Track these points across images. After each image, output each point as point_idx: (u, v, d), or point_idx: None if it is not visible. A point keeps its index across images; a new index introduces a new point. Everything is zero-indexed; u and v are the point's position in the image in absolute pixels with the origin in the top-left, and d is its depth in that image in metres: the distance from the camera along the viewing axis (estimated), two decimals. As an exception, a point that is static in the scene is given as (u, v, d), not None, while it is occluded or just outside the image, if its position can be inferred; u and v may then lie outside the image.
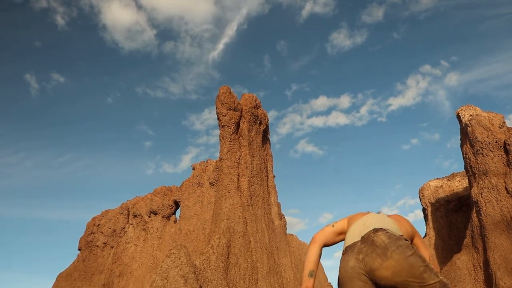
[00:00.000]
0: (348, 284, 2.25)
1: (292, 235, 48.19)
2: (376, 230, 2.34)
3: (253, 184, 22.17)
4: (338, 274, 2.38)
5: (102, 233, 41.41)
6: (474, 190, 22.38)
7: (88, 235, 42.37)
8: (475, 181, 22.63)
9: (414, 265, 2.11)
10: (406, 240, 2.28)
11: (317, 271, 2.63)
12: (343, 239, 2.61)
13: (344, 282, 2.27)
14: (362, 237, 2.34)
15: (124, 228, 41.26)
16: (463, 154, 26.15)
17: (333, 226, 2.59)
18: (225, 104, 22.53)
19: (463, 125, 27.54)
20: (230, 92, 24.07)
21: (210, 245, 18.22)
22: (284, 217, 31.43)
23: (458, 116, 29.60)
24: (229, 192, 20.80)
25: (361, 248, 2.28)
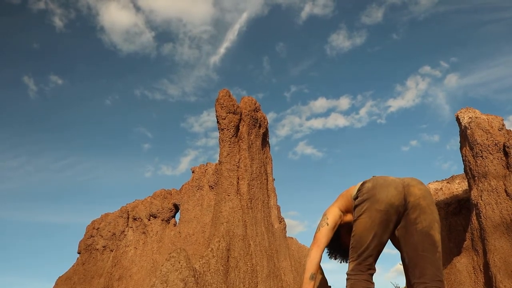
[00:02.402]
0: (381, 188, 2.34)
1: (292, 238, 48.26)
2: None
3: (252, 187, 22.18)
4: (367, 185, 2.42)
5: (102, 237, 41.38)
6: (474, 193, 22.46)
7: (88, 238, 42.35)
8: (475, 184, 22.69)
9: (435, 206, 2.39)
10: None
11: (317, 273, 2.59)
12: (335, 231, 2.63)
13: (376, 186, 2.35)
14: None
15: (123, 231, 41.23)
16: (462, 156, 26.22)
17: (327, 224, 2.60)
18: (224, 107, 22.57)
19: (463, 127, 27.66)
20: (229, 95, 24.13)
21: (209, 249, 18.22)
22: (283, 220, 31.48)
23: (458, 119, 29.72)
24: (228, 195, 20.81)
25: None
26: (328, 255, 2.88)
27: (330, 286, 2.92)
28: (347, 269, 2.40)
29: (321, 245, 2.56)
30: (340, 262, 2.84)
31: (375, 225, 2.29)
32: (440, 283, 2.22)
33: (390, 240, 2.52)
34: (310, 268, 2.52)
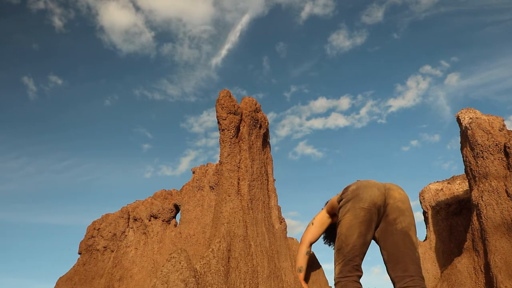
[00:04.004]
0: (364, 189, 2.47)
1: (292, 238, 48.14)
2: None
3: (253, 187, 22.16)
4: (351, 187, 2.56)
5: (102, 237, 41.33)
6: (475, 193, 22.37)
7: (88, 239, 42.30)
8: (476, 184, 22.61)
9: (412, 212, 2.48)
10: None
11: (306, 266, 2.98)
12: (325, 229, 2.86)
13: (360, 187, 2.49)
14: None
15: (124, 232, 41.18)
16: (463, 157, 26.16)
17: (313, 224, 2.92)
18: (225, 108, 22.56)
19: (463, 128, 27.58)
20: (230, 96, 24.13)
21: (210, 249, 18.18)
22: (284, 221, 31.44)
23: (458, 119, 29.63)
24: (229, 196, 20.77)
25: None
26: (323, 239, 3.17)
27: (330, 287, 2.97)
28: (334, 274, 2.44)
29: (305, 241, 2.93)
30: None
31: (360, 223, 2.39)
32: (422, 280, 2.30)
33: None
34: (297, 262, 3.01)
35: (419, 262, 2.34)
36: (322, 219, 2.91)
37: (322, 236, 3.01)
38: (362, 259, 2.42)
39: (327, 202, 2.92)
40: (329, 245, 3.04)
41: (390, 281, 2.35)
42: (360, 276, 2.38)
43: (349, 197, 2.51)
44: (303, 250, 2.90)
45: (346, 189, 2.62)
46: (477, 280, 19.26)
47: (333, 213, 2.88)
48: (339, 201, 2.63)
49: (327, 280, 3.15)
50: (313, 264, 3.13)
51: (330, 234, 3.04)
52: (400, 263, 2.34)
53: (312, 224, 2.87)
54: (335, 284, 2.40)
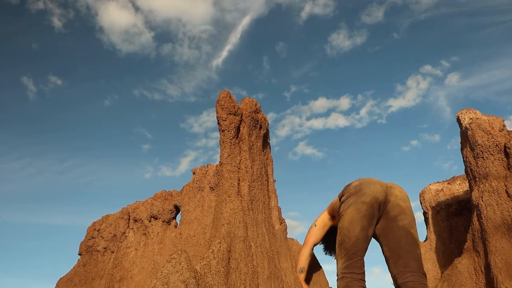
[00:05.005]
0: (367, 184, 2.48)
1: (292, 239, 48.16)
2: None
3: (253, 188, 22.18)
4: (354, 183, 2.57)
5: (103, 238, 41.37)
6: (475, 194, 22.41)
7: (89, 240, 42.33)
8: (476, 185, 22.65)
9: (412, 211, 2.46)
10: None
11: (307, 267, 2.92)
12: (327, 230, 2.86)
13: (363, 183, 2.50)
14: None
15: (124, 233, 41.21)
16: (463, 157, 26.17)
17: (315, 226, 2.87)
18: (225, 109, 22.59)
19: (463, 128, 27.63)
20: (230, 97, 24.16)
21: (210, 250, 18.20)
22: (284, 222, 31.45)
23: (458, 120, 29.69)
24: (229, 196, 20.80)
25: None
26: (324, 250, 3.08)
27: (331, 287, 2.97)
28: (337, 269, 2.38)
29: (309, 243, 2.86)
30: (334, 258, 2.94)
31: (362, 217, 2.37)
32: (424, 276, 2.28)
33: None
34: (299, 263, 2.86)
35: (421, 259, 2.30)
36: (324, 220, 2.93)
37: (322, 247, 3.01)
38: (364, 255, 2.38)
39: (329, 204, 2.98)
40: (330, 255, 3.01)
41: (392, 280, 2.33)
42: (364, 274, 2.34)
43: (352, 192, 2.49)
44: (306, 252, 2.86)
45: (348, 185, 2.60)
46: (478, 281, 19.18)
47: (334, 215, 2.87)
48: (340, 197, 2.61)
49: (327, 281, 3.15)
50: (313, 265, 3.12)
51: (329, 243, 3.01)
52: (402, 258, 2.31)
53: (315, 225, 2.88)
54: (338, 279, 2.33)
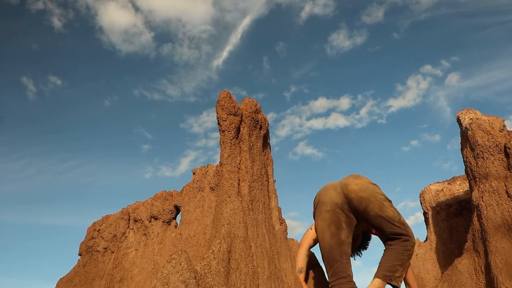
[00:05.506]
0: (323, 193, 2.65)
1: (292, 239, 48.22)
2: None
3: (253, 189, 22.16)
4: (316, 195, 2.73)
5: (103, 238, 41.35)
6: (475, 194, 22.36)
7: (89, 240, 42.31)
8: (476, 185, 22.62)
9: (377, 190, 2.54)
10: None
11: (306, 267, 3.06)
12: None
13: (320, 194, 2.67)
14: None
15: (124, 233, 41.20)
16: (463, 157, 26.13)
17: (311, 229, 2.95)
18: (225, 109, 22.58)
19: (463, 128, 27.58)
20: (230, 97, 24.12)
21: (210, 250, 18.19)
22: (284, 222, 31.47)
23: (458, 120, 29.65)
24: (229, 197, 20.79)
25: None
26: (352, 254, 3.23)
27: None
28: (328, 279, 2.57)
29: (304, 245, 2.95)
30: (354, 258, 3.11)
31: (328, 225, 2.54)
32: (404, 225, 2.48)
33: (364, 234, 2.87)
34: (297, 263, 2.93)
35: (402, 220, 2.49)
36: None
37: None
38: (346, 258, 2.51)
39: None
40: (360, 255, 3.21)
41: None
42: (350, 275, 2.48)
43: (315, 205, 2.71)
44: (303, 253, 2.99)
45: (314, 199, 2.81)
46: (478, 281, 19.25)
47: None
48: (313, 214, 2.81)
49: (327, 281, 3.15)
50: (313, 264, 3.18)
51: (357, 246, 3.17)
52: (387, 234, 2.53)
53: (311, 229, 2.99)
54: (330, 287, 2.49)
